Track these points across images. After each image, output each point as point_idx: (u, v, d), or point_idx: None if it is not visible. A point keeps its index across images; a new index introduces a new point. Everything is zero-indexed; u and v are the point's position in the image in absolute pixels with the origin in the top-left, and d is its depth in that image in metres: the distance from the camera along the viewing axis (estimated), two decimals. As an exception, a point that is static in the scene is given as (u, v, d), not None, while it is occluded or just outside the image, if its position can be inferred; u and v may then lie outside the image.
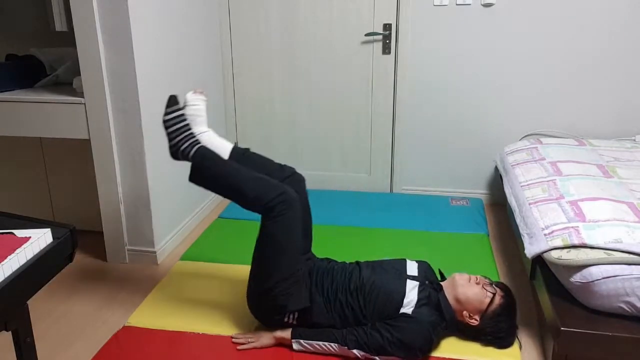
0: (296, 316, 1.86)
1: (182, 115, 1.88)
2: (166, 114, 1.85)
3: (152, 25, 2.43)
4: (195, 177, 1.86)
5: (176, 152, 1.87)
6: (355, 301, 1.84)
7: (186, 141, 1.85)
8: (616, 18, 2.87)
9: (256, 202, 1.80)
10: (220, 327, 2.00)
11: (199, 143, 1.86)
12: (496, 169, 3.16)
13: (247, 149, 2.02)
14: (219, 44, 3.28)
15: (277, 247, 1.80)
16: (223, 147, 1.94)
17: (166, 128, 1.86)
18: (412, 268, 1.94)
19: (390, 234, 2.79)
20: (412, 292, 1.82)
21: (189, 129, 1.88)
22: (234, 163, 1.88)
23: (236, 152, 1.96)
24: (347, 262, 2.04)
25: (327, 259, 2.07)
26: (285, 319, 1.86)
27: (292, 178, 1.99)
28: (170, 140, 1.87)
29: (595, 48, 2.94)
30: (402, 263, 1.97)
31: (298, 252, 1.84)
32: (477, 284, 1.85)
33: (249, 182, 1.80)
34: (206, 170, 1.84)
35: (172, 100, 1.87)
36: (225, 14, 3.25)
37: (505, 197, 2.54)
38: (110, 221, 2.54)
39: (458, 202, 3.19)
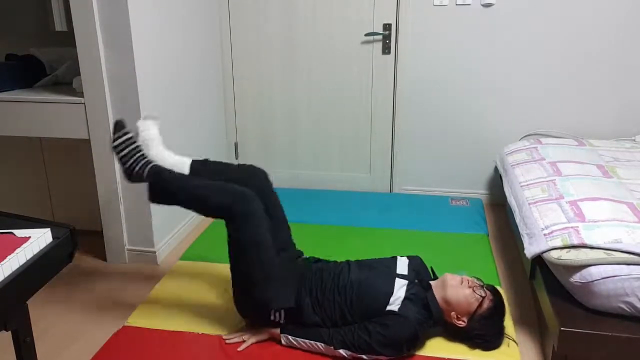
0: (283, 315, 1.87)
1: (131, 138, 1.90)
2: (114, 139, 1.88)
3: (152, 25, 2.43)
4: (153, 196, 1.88)
5: (130, 175, 1.88)
6: (343, 299, 1.84)
7: (138, 163, 1.86)
8: (616, 18, 2.87)
9: (216, 210, 1.84)
10: (219, 327, 1.99)
11: (151, 162, 1.89)
12: (496, 169, 3.16)
13: (206, 160, 2.04)
14: (219, 44, 3.28)
15: (247, 249, 1.81)
16: (181, 163, 1.97)
17: (117, 153, 1.88)
18: (402, 266, 1.94)
19: (390, 234, 2.79)
20: (400, 291, 1.82)
21: (140, 151, 1.90)
22: (188, 176, 1.93)
23: (195, 164, 1.99)
24: (338, 261, 2.04)
25: (316, 259, 2.07)
26: (272, 317, 1.88)
27: (252, 176, 2.01)
28: (122, 164, 1.88)
29: (594, 48, 2.94)
30: (393, 261, 1.97)
31: (269, 248, 1.84)
32: (469, 287, 1.84)
33: (205, 192, 1.83)
34: (162, 187, 1.87)
35: (119, 125, 1.90)
36: (225, 14, 3.25)
37: (505, 197, 2.54)
38: (110, 221, 2.54)
39: (458, 202, 3.19)
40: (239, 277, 1.88)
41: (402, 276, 1.87)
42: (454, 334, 1.88)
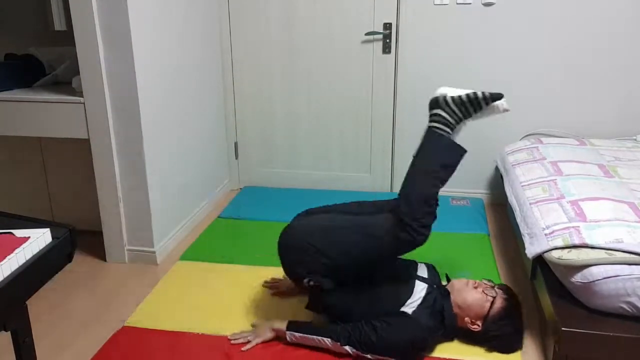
0: (313, 284, 1.83)
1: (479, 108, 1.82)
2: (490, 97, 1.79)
3: (151, 24, 2.42)
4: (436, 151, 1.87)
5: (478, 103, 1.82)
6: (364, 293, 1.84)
7: (464, 117, 1.83)
8: (617, 17, 2.86)
9: (424, 205, 1.78)
10: (219, 327, 1.99)
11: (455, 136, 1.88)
12: (497, 168, 3.15)
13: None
14: (219, 44, 3.27)
15: (379, 251, 1.79)
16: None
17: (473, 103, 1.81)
18: (422, 269, 1.94)
19: (391, 234, 2.78)
20: (419, 293, 1.82)
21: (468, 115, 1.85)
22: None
23: None
24: None
25: None
26: (305, 281, 1.83)
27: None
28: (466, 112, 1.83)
29: (595, 47, 2.93)
30: (413, 263, 1.97)
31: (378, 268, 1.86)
32: (476, 288, 1.84)
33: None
34: (442, 153, 1.86)
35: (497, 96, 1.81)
36: (225, 14, 3.24)
37: (506, 197, 2.54)
38: (110, 221, 2.54)
39: (458, 202, 3.19)
40: (341, 251, 1.80)
41: (423, 279, 1.87)
42: (471, 339, 1.86)
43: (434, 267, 2.01)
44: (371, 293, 1.84)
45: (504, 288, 1.88)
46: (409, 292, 1.81)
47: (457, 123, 1.83)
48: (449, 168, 1.84)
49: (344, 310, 1.84)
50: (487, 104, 1.80)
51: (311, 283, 1.83)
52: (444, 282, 1.99)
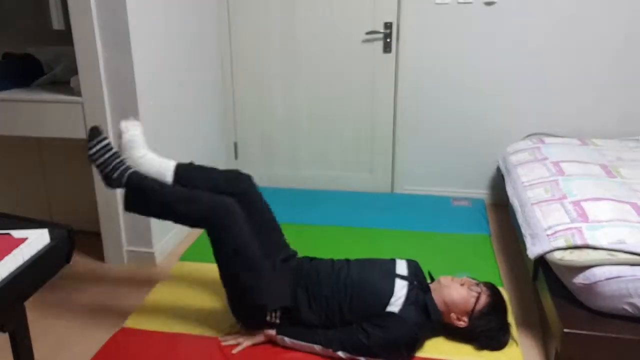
0: (279, 314, 1.85)
1: (108, 144, 1.85)
2: (90, 147, 1.82)
3: (150, 23, 2.42)
4: (129, 205, 1.85)
5: (109, 183, 1.84)
6: (342, 296, 1.83)
7: (116, 170, 1.82)
8: (619, 17, 2.85)
9: (195, 222, 1.85)
10: (218, 328, 1.98)
11: (130, 169, 1.84)
12: (498, 169, 3.15)
13: (191, 163, 2.00)
14: (219, 44, 3.27)
15: (231, 257, 1.81)
16: (165, 167, 1.91)
17: (94, 161, 1.83)
18: (401, 267, 1.93)
19: (392, 235, 2.77)
20: (401, 291, 1.81)
21: (117, 157, 1.84)
22: (167, 186, 1.87)
23: (180, 168, 1.93)
24: (335, 259, 2.02)
25: (310, 257, 2.05)
26: (268, 318, 1.86)
27: (236, 181, 1.99)
28: (101, 172, 1.84)
29: (598, 47, 2.92)
30: (392, 262, 1.97)
31: (254, 254, 1.82)
32: (462, 285, 1.85)
33: (183, 204, 1.80)
34: (138, 196, 1.83)
35: (94, 132, 1.84)
36: (224, 14, 3.23)
37: (508, 198, 2.53)
38: (108, 221, 2.53)
39: (460, 203, 3.18)
40: (230, 285, 1.87)
41: (402, 277, 1.86)
42: (458, 336, 1.87)
43: (416, 263, 2.00)
44: (350, 299, 1.82)
45: (489, 285, 1.89)
46: (390, 292, 1.81)
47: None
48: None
49: (326, 323, 1.84)
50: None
51: (275, 314, 1.84)
52: (427, 280, 1.99)
